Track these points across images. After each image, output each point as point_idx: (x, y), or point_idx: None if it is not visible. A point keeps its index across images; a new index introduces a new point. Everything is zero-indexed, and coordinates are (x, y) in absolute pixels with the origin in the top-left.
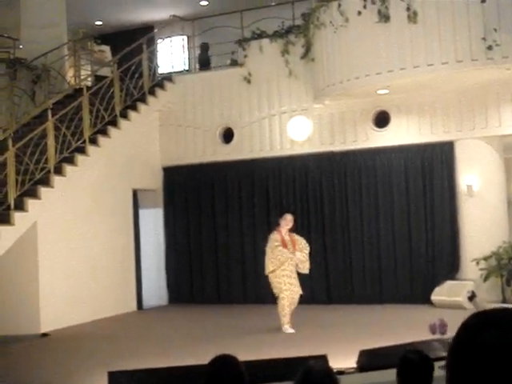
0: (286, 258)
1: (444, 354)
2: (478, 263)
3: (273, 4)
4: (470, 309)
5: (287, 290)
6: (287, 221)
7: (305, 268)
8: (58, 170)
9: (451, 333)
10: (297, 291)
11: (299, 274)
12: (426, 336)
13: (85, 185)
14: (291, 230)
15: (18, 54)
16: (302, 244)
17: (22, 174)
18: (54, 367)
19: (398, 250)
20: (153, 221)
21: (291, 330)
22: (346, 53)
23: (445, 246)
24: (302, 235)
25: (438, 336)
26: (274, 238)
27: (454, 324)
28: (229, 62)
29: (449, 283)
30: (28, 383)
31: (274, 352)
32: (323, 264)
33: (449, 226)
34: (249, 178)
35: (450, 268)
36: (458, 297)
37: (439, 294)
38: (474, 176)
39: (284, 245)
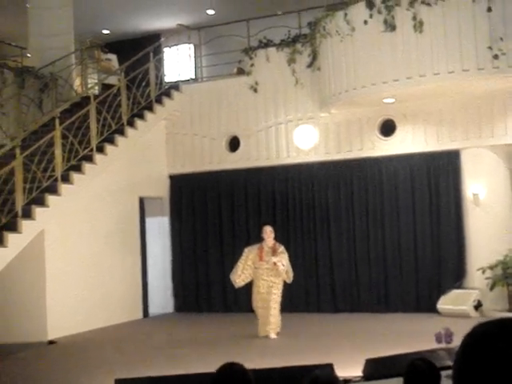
0: (257, 276)
1: (450, 363)
2: (483, 272)
3: (279, 13)
4: (476, 318)
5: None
6: (268, 233)
7: (286, 277)
8: (66, 178)
9: (457, 342)
10: (256, 306)
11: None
12: (432, 345)
13: (92, 193)
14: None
15: (26, 63)
16: (280, 250)
17: (30, 181)
18: (60, 375)
19: (403, 258)
20: (159, 229)
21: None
22: (352, 62)
23: (451, 254)
24: (307, 243)
25: (443, 345)
26: (248, 252)
27: (459, 333)
28: (235, 70)
29: (455, 292)
30: None
31: (281, 360)
32: (329, 272)
33: (455, 234)
34: (255, 186)
35: (456, 277)
36: (464, 306)
37: (445, 303)
38: (480, 185)
39: (260, 257)
